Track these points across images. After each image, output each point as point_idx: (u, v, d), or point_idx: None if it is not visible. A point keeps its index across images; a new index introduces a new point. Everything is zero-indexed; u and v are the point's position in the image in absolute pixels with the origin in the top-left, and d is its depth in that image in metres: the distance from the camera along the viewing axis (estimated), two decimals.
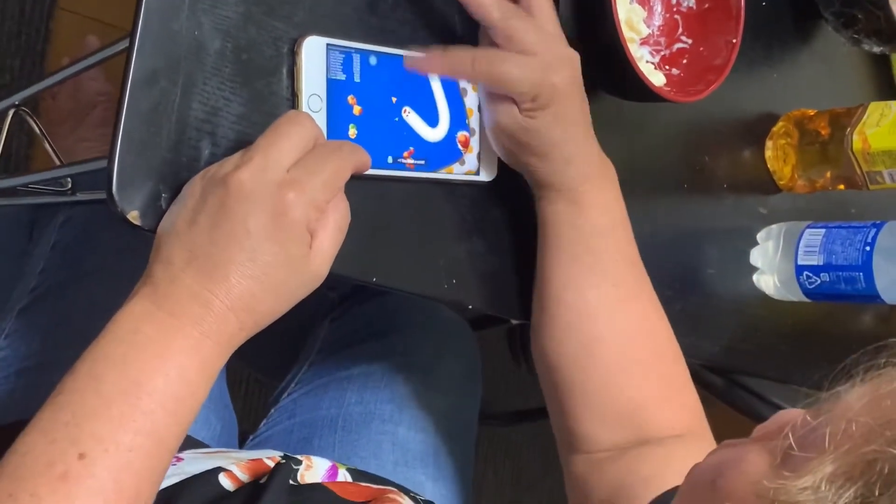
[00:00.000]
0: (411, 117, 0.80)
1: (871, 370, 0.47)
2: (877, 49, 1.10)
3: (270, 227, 0.63)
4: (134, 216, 0.67)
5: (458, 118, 0.82)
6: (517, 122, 0.77)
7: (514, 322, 1.47)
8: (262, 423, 1.05)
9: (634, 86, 0.86)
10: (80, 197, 0.93)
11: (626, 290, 0.83)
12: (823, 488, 0.41)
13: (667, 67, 0.93)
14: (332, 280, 1.13)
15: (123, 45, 0.76)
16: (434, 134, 0.81)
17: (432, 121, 0.81)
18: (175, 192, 0.68)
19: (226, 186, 0.63)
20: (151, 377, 0.60)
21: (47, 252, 0.91)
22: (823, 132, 1.07)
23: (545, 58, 0.76)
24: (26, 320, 0.88)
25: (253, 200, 0.62)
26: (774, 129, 1.11)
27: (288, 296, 0.66)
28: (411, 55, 0.78)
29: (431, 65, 0.78)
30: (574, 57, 0.79)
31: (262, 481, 0.74)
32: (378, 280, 0.79)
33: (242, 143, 0.70)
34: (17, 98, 0.93)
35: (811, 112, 1.10)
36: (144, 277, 0.64)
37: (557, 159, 0.79)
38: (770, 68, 1.11)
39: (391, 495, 0.74)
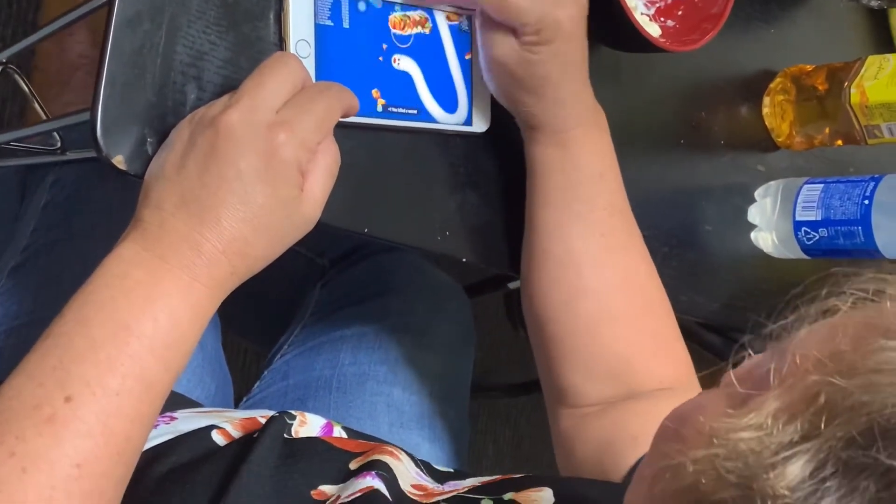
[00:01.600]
0: (402, 65, 0.78)
1: (815, 302, 0.45)
2: (874, 3, 1.09)
3: (261, 168, 0.62)
4: (119, 161, 0.66)
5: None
6: (516, 53, 0.76)
7: (510, 286, 1.47)
8: (256, 385, 1.04)
9: (630, 36, 0.85)
10: (69, 156, 0.92)
11: (614, 240, 0.82)
12: (768, 424, 0.40)
13: (662, 19, 0.92)
14: (322, 244, 1.13)
15: None
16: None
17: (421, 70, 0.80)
18: (161, 136, 0.67)
19: (215, 128, 0.62)
20: (140, 320, 0.59)
21: (38, 212, 0.90)
22: (821, 87, 1.06)
23: None
24: (17, 279, 0.87)
25: (243, 142, 0.61)
26: (772, 85, 1.09)
27: (280, 239, 0.65)
28: None
29: None
30: (582, 1, 0.77)
31: (254, 435, 0.73)
32: (370, 231, 0.78)
33: (229, 87, 0.69)
34: (3, 56, 0.92)
35: (808, 67, 1.08)
36: (134, 222, 0.63)
37: (550, 98, 0.77)
38: (767, 24, 1.10)
39: (388, 448, 0.73)
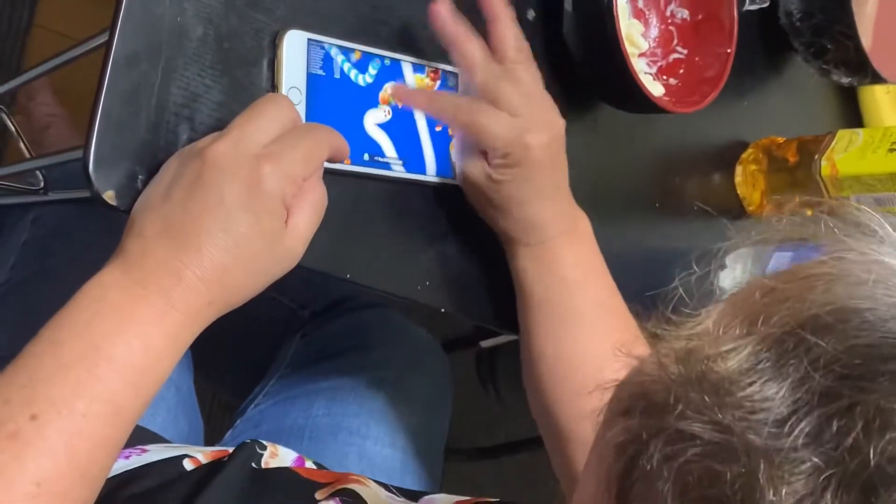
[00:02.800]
0: (387, 116, 0.80)
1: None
2: (845, 80, 1.12)
3: (245, 196, 0.62)
4: (110, 196, 0.67)
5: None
6: (484, 174, 0.78)
7: (482, 345, 1.48)
8: (228, 433, 1.04)
9: (637, 99, 0.87)
10: (52, 196, 0.92)
11: (604, 334, 0.83)
12: (709, 329, 0.41)
13: (664, 77, 0.95)
14: (305, 297, 1.14)
15: (102, 39, 0.76)
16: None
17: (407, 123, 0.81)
18: (152, 173, 0.68)
19: (202, 158, 0.63)
20: (112, 343, 0.59)
21: (18, 248, 0.90)
22: (792, 159, 1.09)
23: (526, 120, 0.77)
24: None
25: (228, 170, 0.62)
26: (744, 155, 1.13)
27: (261, 271, 0.65)
28: (398, 86, 0.79)
29: (416, 100, 0.80)
30: (557, 124, 0.80)
31: (223, 460, 0.73)
32: (352, 276, 0.79)
33: (221, 129, 0.70)
34: None
35: (780, 139, 1.12)
36: (117, 251, 0.63)
37: (519, 217, 0.80)
38: (740, 97, 1.13)
39: (354, 477, 0.74)
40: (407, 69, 0.81)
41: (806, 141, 1.09)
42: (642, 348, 0.55)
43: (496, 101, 0.77)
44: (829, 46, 1.09)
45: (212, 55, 0.71)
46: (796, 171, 1.08)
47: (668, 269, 1.02)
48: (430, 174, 0.83)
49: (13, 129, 0.92)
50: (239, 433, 1.03)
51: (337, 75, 0.77)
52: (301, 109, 0.74)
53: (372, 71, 0.79)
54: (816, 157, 1.06)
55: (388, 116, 0.80)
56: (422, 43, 0.82)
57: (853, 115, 1.23)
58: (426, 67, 0.82)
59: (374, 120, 0.79)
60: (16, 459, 0.55)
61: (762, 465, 0.36)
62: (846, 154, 1.04)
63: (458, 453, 1.86)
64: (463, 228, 0.86)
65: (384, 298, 1.03)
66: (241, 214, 0.62)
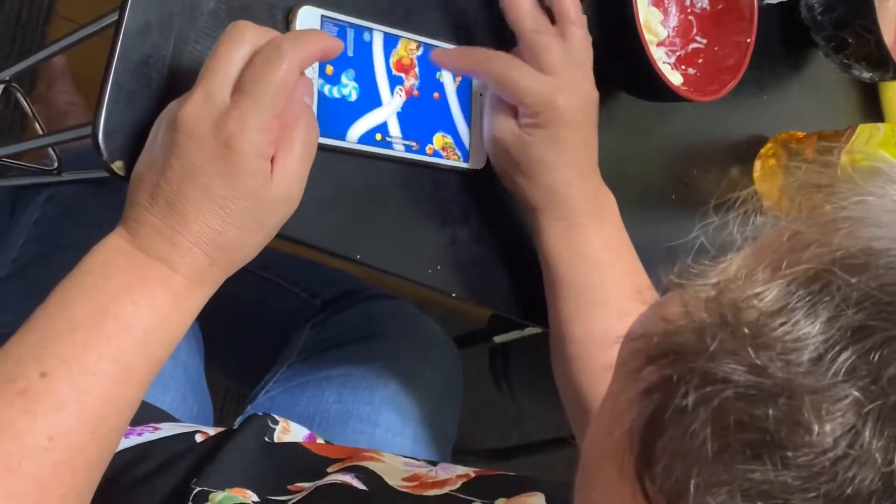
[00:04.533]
0: (401, 97, 0.79)
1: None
2: (866, 75, 1.11)
3: (217, 161, 0.61)
4: (119, 166, 0.66)
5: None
6: (513, 133, 0.77)
7: (496, 340, 1.47)
8: (238, 419, 1.03)
9: (656, 87, 0.86)
10: (65, 177, 0.92)
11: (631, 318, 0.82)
12: (732, 272, 0.40)
13: (683, 67, 0.94)
14: (316, 286, 1.13)
15: (114, 17, 0.76)
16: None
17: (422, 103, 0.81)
18: None
19: (173, 126, 0.62)
20: (119, 303, 0.60)
21: (30, 226, 0.90)
22: (811, 154, 1.08)
23: (560, 81, 0.76)
24: (5, 289, 0.87)
25: (196, 136, 0.61)
26: (763, 150, 1.11)
27: (257, 226, 0.64)
28: (435, 51, 0.79)
29: (452, 59, 0.79)
30: (591, 93, 0.79)
31: (234, 428, 0.73)
32: (362, 257, 0.78)
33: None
34: (7, 74, 0.93)
35: (799, 134, 1.10)
36: (121, 218, 0.64)
37: (544, 184, 0.78)
38: (760, 91, 1.12)
39: (367, 454, 0.73)
40: (421, 51, 0.80)
41: (826, 135, 1.07)
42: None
43: (538, 53, 0.75)
44: (850, 41, 1.08)
45: (224, 29, 0.70)
46: None
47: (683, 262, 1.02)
48: (443, 157, 0.82)
49: (27, 108, 0.92)
50: None
51: (350, 53, 0.76)
52: (314, 87, 0.74)
53: (387, 51, 0.78)
54: (836, 151, 1.04)
55: (403, 96, 0.79)
56: (438, 23, 0.81)
57: (874, 111, 1.22)
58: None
59: (387, 99, 0.78)
60: (27, 414, 0.56)
61: (803, 402, 0.36)
62: (867, 148, 1.02)
63: (471, 455, 1.85)
64: (476, 213, 0.85)
65: (394, 287, 1.03)
66: (216, 179, 0.61)
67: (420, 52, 0.80)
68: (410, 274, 0.81)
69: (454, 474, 0.73)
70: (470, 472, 0.73)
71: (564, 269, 0.81)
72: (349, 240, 0.78)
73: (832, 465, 0.35)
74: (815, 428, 0.36)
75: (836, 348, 0.36)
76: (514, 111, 0.77)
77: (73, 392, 0.57)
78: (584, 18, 0.78)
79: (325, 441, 0.80)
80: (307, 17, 0.74)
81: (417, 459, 0.76)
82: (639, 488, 0.40)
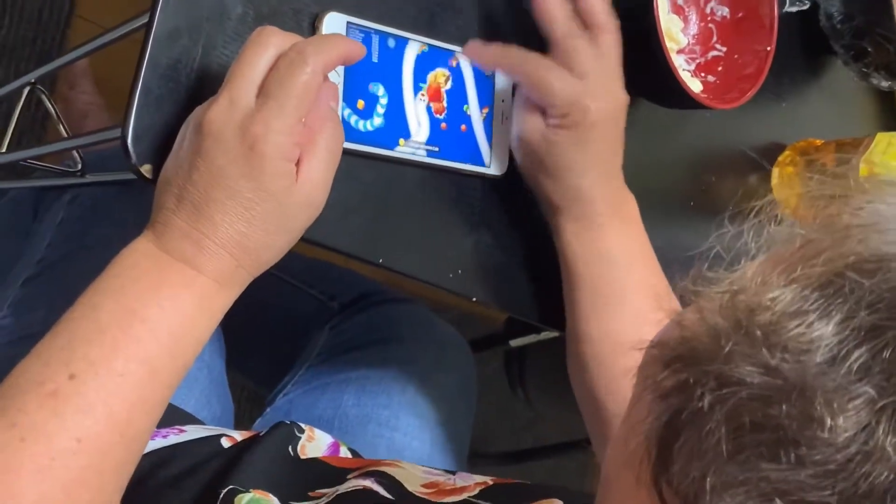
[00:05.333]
0: (426, 103, 0.80)
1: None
2: (885, 84, 1.11)
3: (242, 163, 0.62)
4: (147, 169, 0.67)
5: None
6: (541, 133, 0.78)
7: (512, 344, 1.47)
8: (257, 421, 1.04)
9: (674, 92, 0.87)
10: (88, 178, 0.93)
11: (646, 318, 0.82)
12: (748, 277, 0.41)
13: (702, 74, 0.95)
14: (334, 289, 1.14)
15: (140, 21, 0.77)
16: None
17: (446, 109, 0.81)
18: None
19: (199, 129, 0.63)
20: (146, 306, 0.61)
21: (54, 227, 0.91)
22: (829, 162, 1.08)
23: (591, 84, 0.77)
24: (31, 289, 0.88)
25: (222, 140, 0.62)
26: (781, 157, 1.12)
27: (282, 228, 0.64)
28: (470, 43, 0.80)
29: (485, 56, 0.80)
30: (621, 97, 0.80)
31: (260, 434, 0.74)
32: (385, 262, 0.79)
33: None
34: (33, 76, 0.94)
35: (818, 142, 1.11)
36: (149, 222, 0.65)
37: (568, 184, 0.79)
38: (779, 98, 1.12)
39: (387, 462, 0.74)
40: (445, 56, 0.81)
41: (844, 143, 1.08)
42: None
43: (570, 57, 0.76)
44: (869, 49, 1.08)
45: (251, 34, 0.71)
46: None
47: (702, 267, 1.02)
48: (468, 162, 0.82)
49: (52, 109, 0.93)
50: (268, 421, 1.02)
51: (375, 59, 0.77)
52: (339, 92, 0.74)
53: (410, 56, 0.79)
54: (855, 159, 1.05)
55: (426, 102, 0.80)
56: (463, 30, 0.82)
57: (892, 120, 1.22)
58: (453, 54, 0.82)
59: (411, 105, 0.79)
60: (55, 415, 0.57)
61: (818, 401, 0.36)
62: (885, 157, 1.03)
63: (486, 458, 1.85)
64: (497, 219, 0.85)
65: (410, 289, 1.04)
66: (242, 182, 0.62)
67: (449, 87, 0.81)
68: (432, 278, 0.82)
69: (472, 482, 0.73)
70: (488, 479, 0.73)
71: (583, 267, 0.81)
72: (372, 244, 0.78)
73: (847, 462, 0.36)
74: (830, 425, 0.36)
75: (850, 347, 0.37)
76: (542, 111, 0.78)
77: (100, 394, 0.58)
78: (615, 23, 0.79)
79: (349, 449, 0.80)
80: (333, 23, 0.74)
81: (436, 469, 0.77)
82: (656, 494, 0.41)
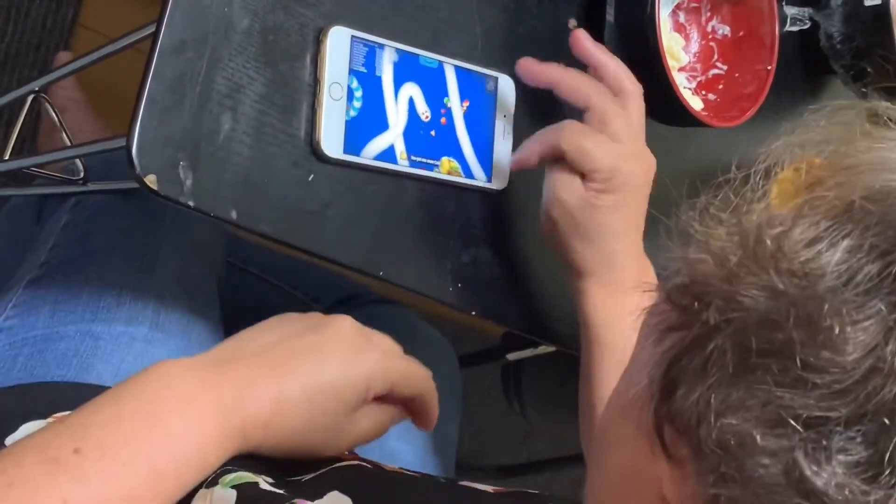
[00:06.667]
0: (427, 118, 0.80)
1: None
2: (884, 104, 1.12)
3: (344, 356, 0.65)
4: (151, 180, 0.67)
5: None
6: (580, 197, 0.78)
7: (509, 358, 1.47)
8: None
9: (677, 111, 0.88)
10: (91, 187, 0.93)
11: None
12: (757, 216, 0.42)
13: (703, 93, 0.95)
14: (318, 290, 1.14)
15: (146, 31, 0.78)
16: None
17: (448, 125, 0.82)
18: (193, 160, 0.68)
19: (330, 320, 0.67)
20: (170, 414, 0.60)
21: (58, 230, 0.91)
22: (827, 180, 1.08)
23: (627, 148, 0.79)
24: (34, 292, 0.87)
25: (345, 338, 0.66)
26: (780, 176, 1.12)
27: (316, 428, 0.65)
28: (527, 60, 0.81)
29: (547, 72, 0.81)
30: (651, 159, 0.81)
31: None
32: (385, 275, 0.79)
33: (262, 121, 0.71)
34: (36, 84, 0.94)
35: (817, 160, 1.11)
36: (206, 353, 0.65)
37: (604, 248, 0.79)
38: (778, 117, 1.13)
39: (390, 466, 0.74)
40: (449, 71, 0.81)
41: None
42: None
43: (606, 124, 0.78)
44: (869, 70, 1.08)
45: (256, 47, 0.72)
46: None
47: None
48: (469, 178, 0.83)
49: (56, 118, 0.93)
50: None
51: (379, 73, 0.77)
52: (342, 105, 0.75)
53: (415, 71, 0.79)
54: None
55: (429, 117, 0.80)
56: (465, 45, 0.83)
57: None
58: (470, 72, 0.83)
59: (415, 120, 0.79)
60: (49, 475, 0.56)
61: (824, 320, 0.37)
62: None
63: (481, 471, 1.85)
64: (497, 234, 0.86)
65: (404, 301, 1.04)
66: (331, 367, 0.64)
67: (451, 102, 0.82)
68: (432, 292, 0.82)
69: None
70: (488, 489, 0.73)
71: (608, 333, 0.80)
72: (373, 257, 0.79)
73: (856, 382, 0.36)
74: (839, 346, 0.36)
75: (858, 266, 0.37)
76: (579, 174, 0.78)
77: (99, 475, 0.57)
78: (640, 89, 0.81)
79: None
80: (338, 37, 0.75)
81: (434, 477, 0.77)
82: (656, 439, 0.41)
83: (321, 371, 0.63)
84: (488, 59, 0.84)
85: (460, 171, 0.82)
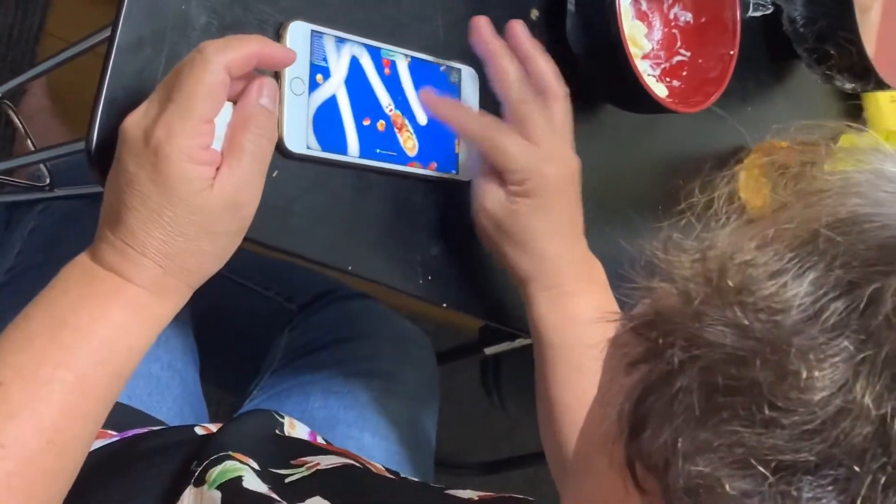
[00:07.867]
0: (391, 110, 0.80)
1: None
2: (848, 86, 1.13)
3: (149, 168, 0.61)
4: None
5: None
6: (502, 205, 0.79)
7: (486, 352, 1.48)
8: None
9: (641, 99, 0.88)
10: (57, 193, 0.93)
11: None
12: (722, 245, 0.41)
13: (667, 79, 0.95)
14: (290, 290, 1.14)
15: (108, 33, 0.77)
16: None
17: (410, 117, 0.82)
18: None
19: (118, 137, 0.63)
20: (76, 315, 0.61)
21: (25, 236, 0.91)
22: (794, 163, 1.09)
23: (546, 150, 0.78)
24: (1, 298, 0.87)
25: (131, 146, 0.61)
26: (746, 160, 1.12)
27: (203, 232, 0.63)
28: (427, 91, 0.80)
29: (444, 108, 0.80)
30: (573, 161, 0.81)
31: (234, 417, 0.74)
32: (354, 269, 0.79)
33: None
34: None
35: (782, 144, 1.12)
36: None
37: (535, 252, 0.79)
38: (744, 102, 1.13)
39: (363, 459, 0.75)
40: (412, 63, 0.81)
41: (808, 144, 1.09)
42: None
43: (524, 123, 0.77)
44: (832, 52, 1.09)
45: None
46: None
47: None
48: (433, 169, 0.83)
49: (20, 124, 0.93)
50: None
51: (341, 67, 0.77)
52: (304, 100, 0.75)
53: (377, 65, 0.79)
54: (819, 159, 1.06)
55: (392, 110, 0.80)
56: (428, 39, 0.83)
57: (856, 121, 1.23)
58: (434, 63, 0.83)
59: (378, 112, 0.79)
60: None
61: (794, 359, 0.36)
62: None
63: (464, 468, 1.85)
64: (465, 225, 0.86)
65: (384, 298, 1.04)
66: (150, 186, 0.61)
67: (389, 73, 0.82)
68: (401, 285, 0.82)
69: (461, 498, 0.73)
70: (474, 495, 0.73)
71: (556, 336, 0.81)
72: (341, 252, 0.79)
73: (825, 421, 0.35)
74: (807, 384, 0.35)
75: (825, 303, 0.36)
76: (500, 180, 0.79)
77: (27, 402, 0.57)
78: (566, 90, 0.80)
79: (324, 439, 0.81)
80: (298, 32, 0.75)
81: (422, 483, 0.77)
82: (628, 475, 0.40)
83: (144, 197, 0.61)
84: (451, 50, 0.84)
85: (426, 163, 0.82)
